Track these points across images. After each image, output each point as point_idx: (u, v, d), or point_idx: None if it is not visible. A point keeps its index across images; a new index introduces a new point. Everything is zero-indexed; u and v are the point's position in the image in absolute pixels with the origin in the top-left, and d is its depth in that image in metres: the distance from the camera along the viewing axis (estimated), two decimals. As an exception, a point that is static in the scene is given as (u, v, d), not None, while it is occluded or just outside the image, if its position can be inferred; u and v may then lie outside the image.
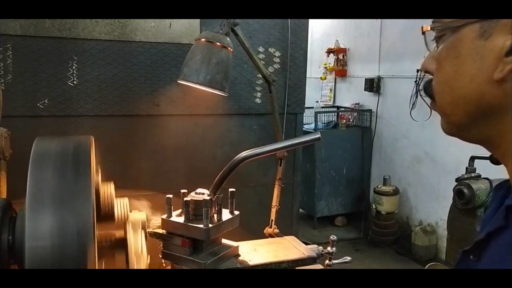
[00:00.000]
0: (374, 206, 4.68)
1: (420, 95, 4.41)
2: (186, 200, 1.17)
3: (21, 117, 2.00)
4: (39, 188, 0.83)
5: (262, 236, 1.87)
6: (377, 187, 4.72)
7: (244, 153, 1.26)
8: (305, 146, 3.87)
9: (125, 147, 2.24)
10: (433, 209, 4.40)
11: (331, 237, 1.42)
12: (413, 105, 4.50)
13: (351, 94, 5.63)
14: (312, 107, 5.30)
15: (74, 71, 2.08)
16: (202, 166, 2.34)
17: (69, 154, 0.91)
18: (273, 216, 1.88)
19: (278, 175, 1.95)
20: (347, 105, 5.60)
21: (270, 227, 1.87)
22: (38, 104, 2.04)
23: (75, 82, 2.09)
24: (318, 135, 1.27)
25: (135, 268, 1.06)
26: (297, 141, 1.35)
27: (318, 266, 1.60)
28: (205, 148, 2.41)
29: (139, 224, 1.17)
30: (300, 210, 3.42)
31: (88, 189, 0.85)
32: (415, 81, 4.43)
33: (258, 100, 2.50)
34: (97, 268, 0.84)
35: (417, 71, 4.38)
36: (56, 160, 0.88)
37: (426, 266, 2.67)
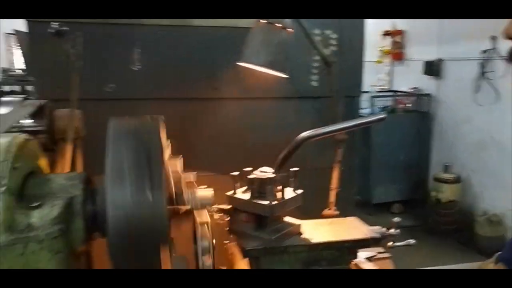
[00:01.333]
0: (434, 194, 4.50)
1: (485, 76, 4.16)
2: (251, 178, 1.19)
3: (90, 100, 2.10)
4: (118, 163, 0.89)
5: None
6: (437, 174, 4.53)
7: (306, 133, 1.26)
8: (362, 130, 3.80)
9: (186, 130, 2.31)
10: (499, 198, 4.16)
11: (394, 219, 1.39)
12: (477, 88, 4.26)
13: (409, 78, 5.42)
14: (367, 92, 5.16)
15: (138, 56, 2.16)
16: (258, 148, 2.36)
17: (143, 132, 0.96)
18: (332, 198, 1.87)
19: (338, 157, 1.93)
20: (404, 89, 5.40)
21: (329, 209, 1.86)
22: (106, 88, 2.15)
23: (139, 66, 2.17)
24: (383, 115, 1.25)
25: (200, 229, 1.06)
26: (361, 121, 1.32)
27: (380, 249, 1.58)
28: (261, 130, 2.42)
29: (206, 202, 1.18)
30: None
31: (160, 165, 0.90)
32: (480, 63, 4.19)
33: (314, 83, 2.47)
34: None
35: (483, 52, 4.13)
36: (131, 138, 0.94)
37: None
